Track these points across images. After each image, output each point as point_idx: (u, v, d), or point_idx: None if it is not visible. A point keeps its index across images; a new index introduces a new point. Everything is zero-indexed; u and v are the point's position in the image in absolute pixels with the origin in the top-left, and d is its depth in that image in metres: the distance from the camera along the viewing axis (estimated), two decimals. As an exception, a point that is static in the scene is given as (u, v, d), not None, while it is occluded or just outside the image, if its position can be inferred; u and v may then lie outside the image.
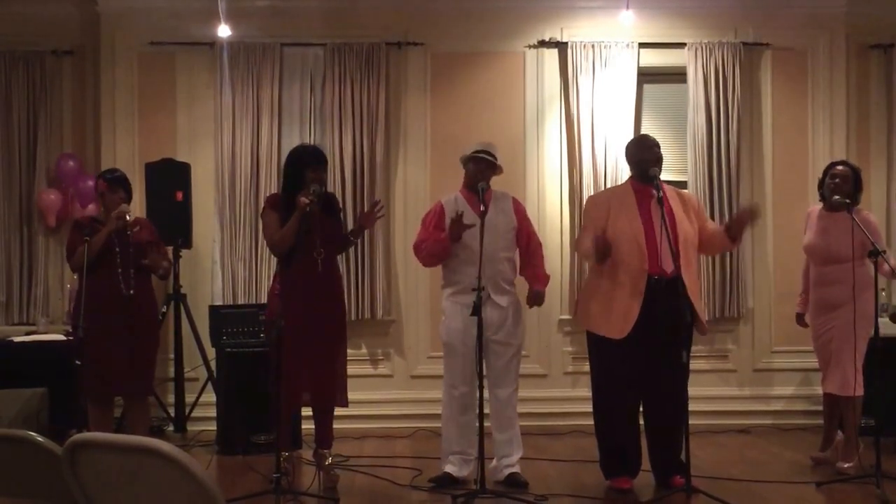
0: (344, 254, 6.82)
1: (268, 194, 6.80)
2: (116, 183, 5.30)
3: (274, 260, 6.74)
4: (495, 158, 5.16)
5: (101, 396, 5.22)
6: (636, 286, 4.82)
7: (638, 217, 4.89)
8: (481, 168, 5.13)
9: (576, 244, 5.90)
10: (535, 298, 5.23)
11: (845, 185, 5.36)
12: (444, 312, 5.19)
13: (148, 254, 5.27)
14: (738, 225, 4.92)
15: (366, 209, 5.21)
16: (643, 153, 4.98)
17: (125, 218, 5.15)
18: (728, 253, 6.98)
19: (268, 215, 5.01)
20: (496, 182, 5.31)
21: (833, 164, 5.53)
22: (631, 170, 5.10)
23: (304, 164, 4.98)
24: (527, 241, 5.26)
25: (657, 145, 5.04)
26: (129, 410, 5.46)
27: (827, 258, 5.36)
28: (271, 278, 6.81)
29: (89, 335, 4.96)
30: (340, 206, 5.44)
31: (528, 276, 5.28)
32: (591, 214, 5.05)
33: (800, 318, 5.71)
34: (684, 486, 4.61)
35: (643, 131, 7.15)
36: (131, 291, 5.14)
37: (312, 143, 6.86)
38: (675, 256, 4.67)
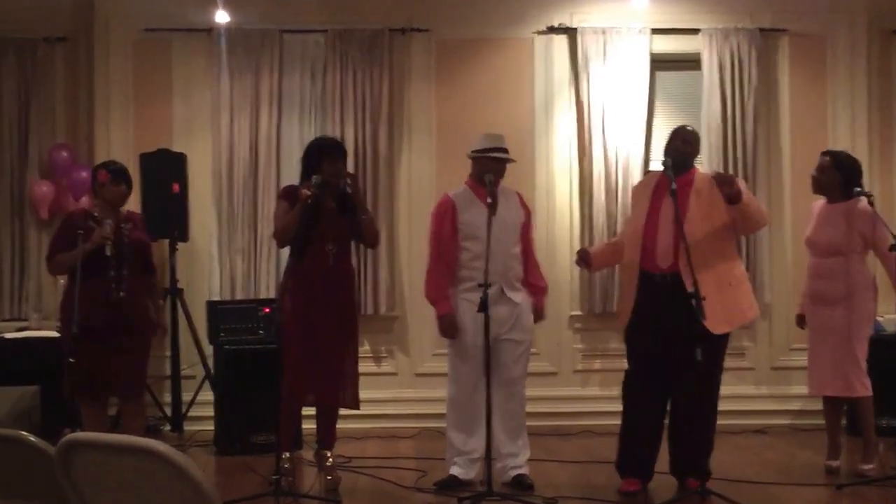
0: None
1: (266, 186, 6.86)
2: (119, 175, 5.26)
3: (274, 253, 6.78)
4: (507, 153, 5.16)
5: (92, 396, 5.22)
6: (631, 280, 4.95)
7: (646, 209, 4.91)
8: (499, 167, 5.12)
9: None
10: (539, 315, 5.29)
11: (823, 177, 5.39)
12: (455, 309, 5.16)
13: (150, 293, 5.31)
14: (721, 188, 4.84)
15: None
16: (669, 142, 5.03)
17: (105, 244, 4.97)
18: (744, 247, 6.96)
19: (278, 206, 5.11)
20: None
21: (821, 155, 5.53)
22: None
23: (322, 156, 5.03)
24: (527, 242, 5.26)
25: (683, 138, 4.99)
26: (125, 410, 5.46)
27: (828, 251, 5.35)
28: (273, 273, 6.84)
29: (80, 335, 4.96)
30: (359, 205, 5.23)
31: (529, 285, 5.26)
32: (631, 204, 5.32)
33: (801, 320, 5.65)
34: (699, 489, 4.61)
35: (656, 120, 7.18)
36: (122, 294, 5.07)
37: (313, 133, 6.89)
38: (676, 251, 4.70)
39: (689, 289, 4.56)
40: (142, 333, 5.25)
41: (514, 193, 5.29)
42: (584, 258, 5.16)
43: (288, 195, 5.09)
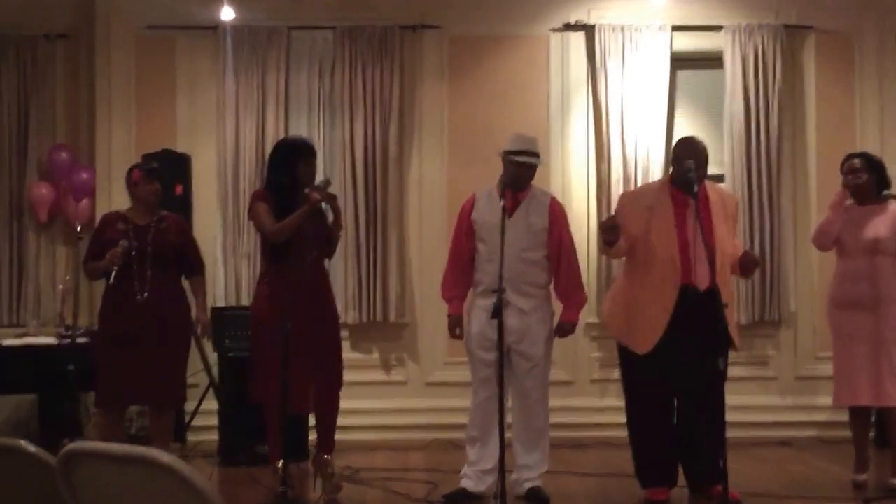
0: (354, 251, 6.86)
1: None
2: (152, 172, 5.34)
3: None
4: (538, 158, 5.15)
5: (111, 404, 5.24)
6: (667, 301, 4.85)
7: (673, 226, 4.88)
8: (520, 171, 5.12)
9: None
10: (561, 329, 5.24)
11: (861, 179, 5.39)
12: (467, 312, 5.22)
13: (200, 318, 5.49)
14: (745, 268, 5.01)
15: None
16: (680, 160, 4.93)
17: (118, 258, 5.06)
18: (768, 252, 6.95)
19: (259, 206, 5.08)
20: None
21: (848, 157, 5.53)
22: (672, 170, 5.10)
23: (297, 157, 5.08)
24: (557, 250, 5.18)
25: (697, 159, 4.89)
26: (152, 425, 5.51)
27: (865, 250, 5.34)
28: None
29: (102, 340, 5.00)
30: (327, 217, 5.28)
31: (559, 296, 5.27)
32: (626, 212, 5.02)
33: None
34: (723, 498, 4.60)
35: (677, 120, 7.16)
36: (145, 294, 5.13)
37: (321, 133, 6.94)
38: (712, 270, 4.68)
39: (724, 300, 4.61)
40: (174, 339, 5.28)
41: (548, 197, 5.28)
42: (614, 226, 4.83)
43: (265, 198, 5.10)
